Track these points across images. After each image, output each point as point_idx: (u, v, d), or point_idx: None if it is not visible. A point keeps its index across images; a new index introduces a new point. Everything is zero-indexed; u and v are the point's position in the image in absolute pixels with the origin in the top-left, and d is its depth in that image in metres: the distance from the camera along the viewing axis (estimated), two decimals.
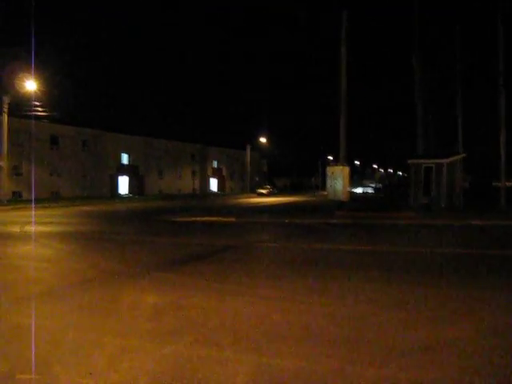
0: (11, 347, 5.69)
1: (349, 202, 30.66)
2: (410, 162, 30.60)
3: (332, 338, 5.85)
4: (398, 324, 6.48)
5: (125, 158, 68.22)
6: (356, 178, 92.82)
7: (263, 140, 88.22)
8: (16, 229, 21.12)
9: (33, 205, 37.35)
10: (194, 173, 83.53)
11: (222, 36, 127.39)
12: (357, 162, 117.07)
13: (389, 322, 6.55)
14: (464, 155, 30.99)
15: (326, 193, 33.91)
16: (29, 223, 23.85)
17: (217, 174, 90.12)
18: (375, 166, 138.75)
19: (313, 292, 8.32)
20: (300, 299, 7.81)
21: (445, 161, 28.73)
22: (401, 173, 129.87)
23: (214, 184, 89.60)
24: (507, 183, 31.54)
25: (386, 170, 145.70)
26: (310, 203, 45.77)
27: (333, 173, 29.95)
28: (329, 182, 30.51)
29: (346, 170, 29.79)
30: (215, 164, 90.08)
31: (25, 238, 18.17)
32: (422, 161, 29.97)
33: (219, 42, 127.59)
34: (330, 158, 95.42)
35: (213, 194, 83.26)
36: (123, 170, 66.67)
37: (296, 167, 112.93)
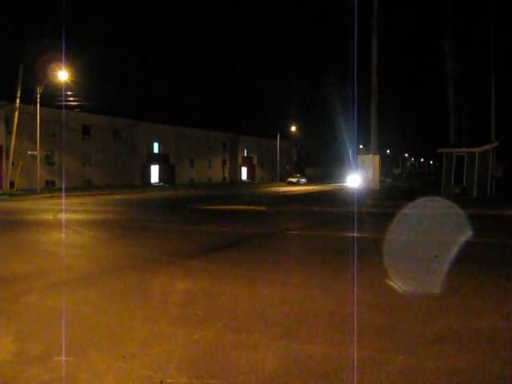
0: (47, 331, 5.83)
1: (380, 190, 30.41)
2: (441, 150, 30.22)
3: (362, 326, 5.85)
4: (429, 312, 6.45)
5: (156, 147, 68.64)
6: (386, 167, 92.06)
7: (294, 129, 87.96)
8: (49, 216, 21.50)
9: (65, 193, 37.88)
10: (224, 162, 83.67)
11: (253, 22, 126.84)
12: (388, 151, 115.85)
13: (420, 310, 6.52)
14: (497, 144, 30.46)
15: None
16: (62, 211, 24.23)
17: (247, 162, 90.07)
18: (406, 155, 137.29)
19: (343, 280, 8.33)
20: (330, 287, 7.83)
21: (477, 150, 28.29)
22: (432, 162, 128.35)
23: (244, 173, 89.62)
24: None
25: (417, 159, 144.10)
26: (340, 192, 45.53)
27: (363, 162, 29.72)
28: (360, 171, 30.31)
29: (377, 158, 29.53)
30: (246, 153, 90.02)
31: (58, 225, 18.47)
32: (453, 150, 29.58)
33: (251, 29, 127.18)
34: (361, 146, 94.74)
35: (243, 182, 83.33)
36: (154, 158, 67.11)
37: (326, 156, 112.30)
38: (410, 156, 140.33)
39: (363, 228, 17.31)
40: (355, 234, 14.73)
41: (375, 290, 7.62)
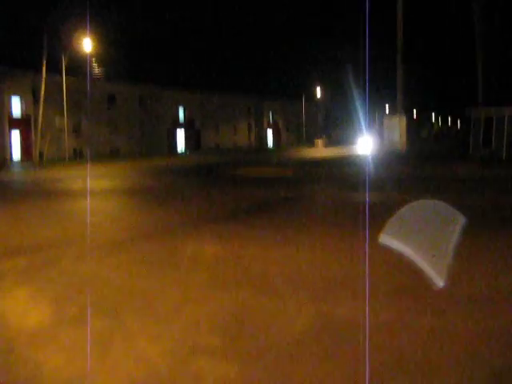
0: (81, 295, 6.00)
1: (406, 152, 30.14)
2: (469, 111, 29.69)
3: (392, 288, 5.90)
4: (457, 274, 6.44)
5: (181, 114, 68.56)
6: (412, 128, 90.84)
7: (319, 91, 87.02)
8: (78, 185, 21.78)
9: (92, 162, 38.22)
10: (250, 126, 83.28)
11: None
12: (414, 112, 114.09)
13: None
14: None
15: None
16: (89, 179, 24.48)
17: (273, 126, 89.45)
18: (433, 116, 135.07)
19: (372, 241, 8.32)
20: (359, 249, 7.82)
21: (506, 110, 27.73)
22: (460, 123, 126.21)
23: (270, 137, 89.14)
24: None
25: (445, 119, 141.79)
26: (365, 155, 45.20)
27: (389, 124, 29.43)
28: (386, 133, 30.06)
29: (403, 120, 29.22)
30: (271, 117, 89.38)
31: (87, 193, 18.69)
32: (482, 110, 29.03)
33: None
34: (387, 108, 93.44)
35: (269, 147, 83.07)
36: (180, 124, 67.13)
37: (352, 118, 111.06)
38: (437, 118, 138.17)
39: (391, 189, 17.10)
40: (386, 195, 14.60)
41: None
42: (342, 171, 25.23)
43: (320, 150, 60.83)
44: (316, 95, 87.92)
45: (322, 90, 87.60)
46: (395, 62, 29.41)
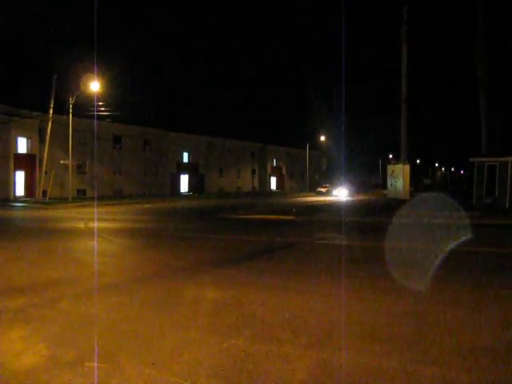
0: (79, 337, 5.92)
1: (410, 200, 30.15)
2: (472, 160, 29.76)
3: (394, 336, 5.82)
4: (463, 324, 6.37)
5: (185, 157, 69.10)
6: (417, 175, 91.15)
7: (323, 138, 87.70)
8: (81, 225, 21.79)
9: (96, 202, 38.34)
10: (253, 171, 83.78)
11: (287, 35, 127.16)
12: (418, 161, 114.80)
13: (453, 323, 6.44)
14: None
15: (386, 191, 33.50)
16: (92, 220, 24.53)
17: (276, 172, 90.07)
18: (436, 165, 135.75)
19: (375, 290, 8.26)
20: (360, 297, 7.78)
21: (509, 159, 27.81)
22: (463, 172, 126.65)
23: (273, 182, 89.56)
24: None
25: (448, 168, 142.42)
26: (369, 202, 45.21)
27: (393, 171, 29.57)
28: (389, 181, 30.16)
29: (407, 168, 29.33)
30: (275, 162, 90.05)
31: (89, 233, 18.70)
32: (485, 159, 29.09)
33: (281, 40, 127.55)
34: (391, 156, 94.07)
35: (272, 192, 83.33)
36: (184, 168, 67.56)
37: (355, 165, 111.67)
38: (440, 166, 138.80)
39: (396, 237, 17.09)
40: (388, 244, 14.57)
41: (407, 300, 7.54)
42: (338, 218, 25.19)
43: (323, 197, 60.97)
44: (320, 143, 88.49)
45: (326, 137, 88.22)
46: (399, 112, 29.72)
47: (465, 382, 4.59)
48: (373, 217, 25.77)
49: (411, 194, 32.55)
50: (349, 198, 56.03)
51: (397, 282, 8.88)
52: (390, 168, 30.73)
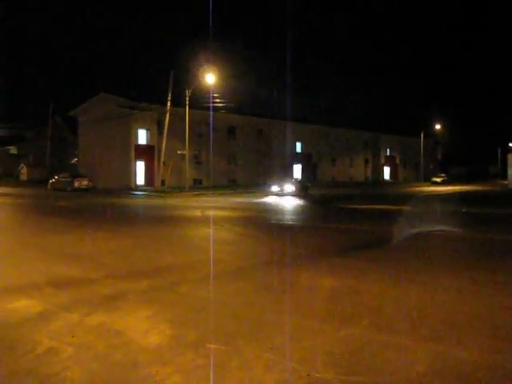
0: (199, 319, 6.17)
1: None
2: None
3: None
4: None
5: (298, 147, 69.24)
6: None
7: (438, 126, 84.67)
8: (198, 213, 22.50)
9: (212, 191, 39.35)
10: (366, 161, 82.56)
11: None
12: None
13: None
14: None
15: (506, 182, 31.90)
16: (209, 208, 25.19)
17: (390, 161, 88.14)
18: None
19: (496, 284, 7.95)
20: (482, 290, 7.50)
21: None
22: None
23: (386, 172, 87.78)
24: None
25: None
26: (488, 193, 43.29)
27: None
28: (510, 171, 28.71)
29: None
30: (388, 152, 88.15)
31: (206, 221, 19.24)
32: None
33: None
34: (511, 144, 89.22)
35: (385, 182, 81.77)
36: (297, 158, 67.74)
37: (472, 155, 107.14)
38: None
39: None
40: (507, 237, 13.93)
41: None
42: (455, 209, 24.27)
43: (438, 187, 59.05)
44: (436, 131, 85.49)
45: (442, 126, 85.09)
46: None
47: None
48: (495, 208, 24.64)
49: None
50: (464, 188, 53.85)
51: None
52: (510, 157, 29.20)
